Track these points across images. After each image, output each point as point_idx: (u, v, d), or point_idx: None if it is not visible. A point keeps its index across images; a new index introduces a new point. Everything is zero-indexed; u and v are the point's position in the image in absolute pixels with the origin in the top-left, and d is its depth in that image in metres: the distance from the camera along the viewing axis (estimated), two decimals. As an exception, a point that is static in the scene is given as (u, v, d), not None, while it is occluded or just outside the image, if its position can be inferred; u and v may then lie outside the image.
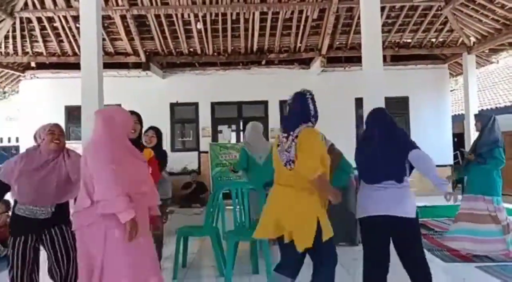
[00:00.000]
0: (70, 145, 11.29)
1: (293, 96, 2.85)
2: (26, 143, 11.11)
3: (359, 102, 9.69)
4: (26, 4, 8.72)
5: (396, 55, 10.69)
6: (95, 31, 6.58)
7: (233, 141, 11.88)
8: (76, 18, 8.53)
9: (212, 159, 10.56)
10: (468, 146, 10.12)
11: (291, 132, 2.68)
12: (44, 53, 10.11)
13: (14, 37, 9.56)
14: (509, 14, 8.17)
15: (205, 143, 11.10)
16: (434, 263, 4.48)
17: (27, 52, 10.07)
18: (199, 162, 11.13)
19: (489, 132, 4.54)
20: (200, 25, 9.24)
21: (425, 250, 4.84)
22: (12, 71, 10.90)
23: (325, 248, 2.60)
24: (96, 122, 2.75)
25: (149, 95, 11.00)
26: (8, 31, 9.30)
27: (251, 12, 8.94)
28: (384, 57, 9.87)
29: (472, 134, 10.03)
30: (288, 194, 2.64)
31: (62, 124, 11.09)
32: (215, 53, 10.48)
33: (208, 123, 11.37)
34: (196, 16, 9.02)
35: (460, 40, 10.00)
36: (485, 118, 4.70)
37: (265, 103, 11.38)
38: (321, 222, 2.56)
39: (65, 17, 8.98)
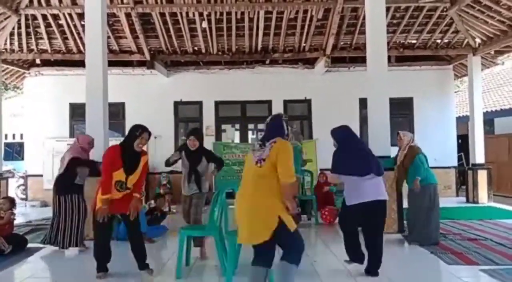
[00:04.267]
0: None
1: (272, 117, 3.30)
2: (31, 139, 11.20)
3: (363, 102, 9.64)
4: (31, 1, 8.73)
5: (401, 56, 10.64)
6: (100, 29, 6.62)
7: (237, 140, 11.88)
8: (81, 16, 8.52)
9: (216, 157, 10.54)
10: (473, 146, 10.07)
11: (267, 142, 3.08)
12: (49, 51, 10.12)
13: (19, 34, 9.58)
14: (515, 15, 8.12)
15: (208, 142, 11.08)
16: (437, 265, 4.47)
17: (32, 49, 10.08)
18: (203, 161, 11.11)
19: None
20: (205, 24, 9.23)
21: (429, 252, 4.89)
22: (17, 68, 10.93)
23: (291, 238, 3.00)
24: None
25: (153, 93, 11.02)
26: (13, 28, 9.32)
27: (256, 11, 8.92)
28: (389, 57, 9.83)
29: (476, 135, 10.00)
30: (252, 201, 3.01)
31: (67, 121, 11.14)
32: (220, 52, 10.46)
33: (212, 122, 11.36)
34: (201, 15, 9.01)
35: (465, 42, 9.94)
36: None
37: (269, 102, 11.35)
38: (284, 218, 2.94)
39: (70, 15, 8.99)
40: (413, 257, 4.91)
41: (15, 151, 18.63)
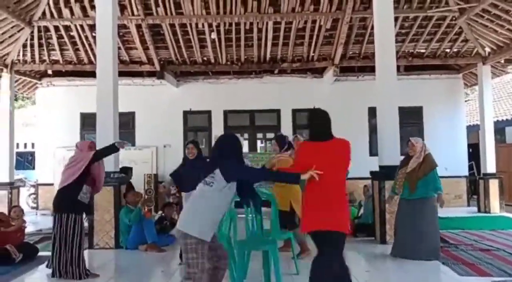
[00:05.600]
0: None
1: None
2: (42, 149, 11.33)
3: (372, 111, 9.63)
4: (44, 13, 8.90)
5: (410, 65, 10.62)
6: (111, 40, 6.71)
7: (245, 149, 11.89)
8: (92, 27, 8.66)
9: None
10: (484, 155, 9.97)
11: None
12: (61, 61, 10.28)
13: (32, 46, 9.75)
14: (525, 24, 8.09)
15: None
16: (448, 276, 4.41)
17: (44, 60, 10.25)
18: (212, 170, 11.15)
19: None
20: (214, 35, 9.32)
21: (441, 263, 4.81)
22: (29, 79, 11.11)
23: None
24: None
25: (163, 103, 11.11)
26: (26, 40, 9.49)
27: (265, 21, 9.00)
28: (398, 67, 9.80)
29: (487, 145, 9.91)
30: None
31: (77, 131, 11.24)
32: (228, 62, 10.54)
33: (221, 132, 11.39)
34: (210, 25, 9.11)
35: (475, 51, 9.91)
36: None
37: (277, 111, 11.40)
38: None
39: (81, 26, 9.14)
40: (424, 267, 4.83)
41: (26, 160, 18.82)
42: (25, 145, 19.39)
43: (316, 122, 3.32)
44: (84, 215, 4.74)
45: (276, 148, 5.38)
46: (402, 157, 5.98)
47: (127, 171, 7.38)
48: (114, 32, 6.86)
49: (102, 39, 6.76)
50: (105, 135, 6.54)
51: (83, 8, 8.68)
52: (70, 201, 4.42)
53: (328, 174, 3.04)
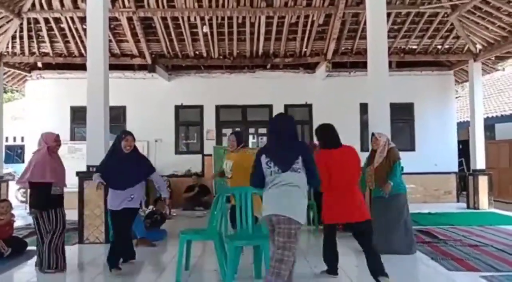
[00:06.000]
0: (73, 145, 11.30)
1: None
2: (32, 142, 11.18)
3: (364, 107, 9.67)
4: (33, 4, 8.75)
5: (402, 61, 10.67)
6: (102, 32, 6.62)
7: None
8: (83, 19, 8.56)
9: (216, 162, 10.54)
10: (474, 152, 10.07)
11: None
12: (51, 54, 10.15)
13: (21, 37, 9.61)
14: (516, 21, 8.14)
15: (209, 146, 11.10)
16: (437, 271, 4.46)
17: (34, 53, 10.11)
18: (203, 165, 11.12)
19: None
20: (206, 29, 9.27)
21: (430, 258, 4.86)
22: (18, 71, 10.96)
23: None
24: None
25: (154, 97, 11.04)
26: (15, 31, 9.34)
27: (257, 16, 8.96)
28: (390, 63, 9.85)
29: (477, 141, 10.00)
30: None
31: (67, 124, 11.14)
32: (221, 57, 10.49)
33: (212, 126, 11.38)
34: (202, 19, 9.04)
35: (466, 47, 9.96)
36: None
37: (269, 107, 11.38)
38: None
39: (72, 18, 9.02)
40: (413, 263, 4.88)
41: (15, 154, 18.64)
42: (14, 139, 19.15)
43: (330, 134, 4.18)
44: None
45: (233, 144, 5.35)
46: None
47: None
48: (105, 24, 6.77)
49: (93, 31, 6.66)
50: (95, 129, 6.48)
51: (74, 0, 8.56)
52: (45, 199, 4.46)
53: (345, 174, 3.98)
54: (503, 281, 3.95)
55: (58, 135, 4.83)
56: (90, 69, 6.68)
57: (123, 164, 4.54)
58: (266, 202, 3.21)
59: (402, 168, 5.29)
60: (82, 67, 9.23)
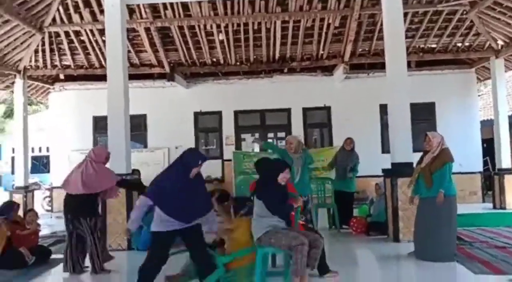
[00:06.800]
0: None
1: None
2: (57, 152, 11.49)
3: (383, 108, 9.54)
4: (54, 19, 8.99)
5: (421, 61, 10.50)
6: (120, 43, 6.74)
7: (256, 149, 11.88)
8: (102, 31, 8.73)
9: (236, 167, 10.59)
10: (499, 150, 9.82)
11: None
12: (72, 66, 10.41)
13: (43, 51, 9.88)
14: (538, 16, 7.93)
15: (228, 151, 11.16)
16: (463, 275, 4.34)
17: (56, 65, 10.39)
18: (223, 170, 11.18)
19: None
20: (222, 36, 9.34)
21: (455, 261, 4.72)
22: (42, 84, 11.28)
23: None
24: None
25: (174, 105, 11.20)
26: (37, 45, 9.63)
27: (273, 21, 8.98)
28: (409, 63, 9.71)
29: (502, 139, 9.75)
30: None
31: (90, 134, 11.39)
32: (238, 63, 10.56)
33: (231, 132, 11.43)
34: (218, 26, 9.13)
35: (487, 44, 9.74)
36: None
37: (288, 111, 11.38)
38: None
39: (91, 31, 9.23)
40: (438, 265, 4.74)
41: (41, 164, 19.10)
42: (40, 149, 19.62)
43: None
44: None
45: (229, 212, 4.69)
46: (416, 154, 5.85)
47: (134, 172, 7.45)
48: (123, 35, 6.90)
49: (112, 43, 6.79)
50: (116, 137, 6.59)
51: (92, 13, 8.76)
52: (90, 207, 4.80)
53: None
54: (533, 284, 3.82)
55: (109, 153, 5.18)
56: (110, 80, 6.79)
57: (192, 192, 3.67)
58: None
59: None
60: (103, 78, 9.37)
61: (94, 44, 9.67)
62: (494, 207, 9.65)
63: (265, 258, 4.02)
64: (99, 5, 8.36)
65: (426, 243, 4.89)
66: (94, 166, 4.79)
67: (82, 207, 4.72)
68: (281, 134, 11.96)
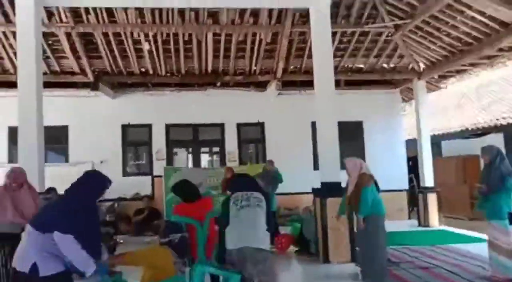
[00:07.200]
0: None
1: None
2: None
3: (315, 126, 9.60)
4: (-38, 18, 8.15)
5: (351, 80, 10.76)
6: (34, 48, 6.27)
7: (190, 164, 11.48)
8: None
9: (167, 183, 10.08)
10: (422, 169, 10.21)
11: None
12: (-17, 71, 9.47)
13: (-51, 53, 8.91)
14: (454, 42, 8.39)
15: (159, 167, 10.65)
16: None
17: (-35, 70, 9.40)
18: (153, 187, 10.64)
19: (500, 164, 4.87)
20: (148, 46, 8.97)
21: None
22: (-52, 89, 10.11)
23: None
24: None
25: (99, 116, 10.54)
26: None
27: (204, 33, 8.76)
28: (338, 81, 9.93)
29: (425, 158, 10.17)
30: None
31: (4, 145, 10.39)
32: (168, 74, 10.20)
33: (162, 146, 10.96)
34: (146, 35, 8.74)
35: (410, 66, 10.21)
36: (493, 152, 4.99)
37: (221, 126, 11.15)
38: None
39: (4, 33, 8.46)
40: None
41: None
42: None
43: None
44: None
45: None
46: (342, 172, 5.79)
47: (49, 191, 6.84)
48: (38, 40, 6.41)
49: (24, 48, 6.30)
50: (28, 152, 6.04)
51: (5, 14, 8.02)
52: None
53: None
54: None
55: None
56: (21, 88, 6.31)
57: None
58: None
59: (378, 188, 5.07)
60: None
61: (8, 48, 8.86)
62: (419, 225, 9.90)
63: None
64: (12, 5, 7.65)
65: (363, 263, 5.00)
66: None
67: None
68: (216, 149, 11.71)
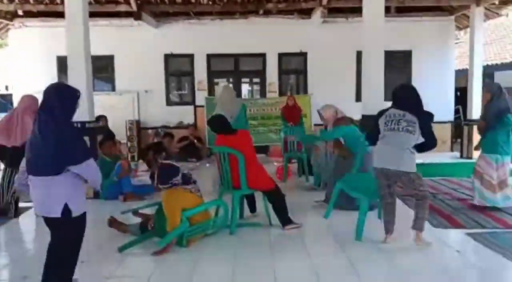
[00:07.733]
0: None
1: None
2: (17, 92, 10.90)
3: (360, 56, 9.28)
4: None
5: (402, 6, 10.11)
6: (79, -23, 6.20)
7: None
8: (61, -37, 8.00)
9: (208, 113, 10.32)
10: (470, 100, 9.83)
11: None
12: (31, 1, 9.59)
13: (-2, -17, 9.04)
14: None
15: (201, 97, 10.83)
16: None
17: (13, 0, 9.55)
18: (195, 116, 10.92)
19: (497, 100, 4.96)
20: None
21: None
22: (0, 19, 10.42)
23: None
24: None
25: (143, 45, 10.62)
26: (-9, -23, 8.78)
27: (247, -43, 8.34)
28: (389, 8, 9.39)
29: (474, 90, 9.72)
30: None
31: (55, 75, 10.79)
32: (210, 2, 9.93)
33: (204, 76, 11.04)
34: (188, -39, 8.44)
35: (469, -10, 9.41)
36: (494, 88, 5.13)
37: (263, 56, 11.00)
38: None
39: (49, -38, 8.43)
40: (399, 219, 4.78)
41: (10, 102, 18.34)
42: (6, 88, 18.72)
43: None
44: None
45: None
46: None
47: (99, 119, 7.15)
48: (83, -32, 6.32)
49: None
50: (77, 80, 6.23)
51: None
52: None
53: None
54: (487, 238, 3.90)
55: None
56: (68, 17, 6.37)
57: None
58: None
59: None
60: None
61: (54, -23, 8.87)
62: (461, 156, 9.82)
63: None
64: None
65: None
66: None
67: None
68: (256, 79, 11.67)
